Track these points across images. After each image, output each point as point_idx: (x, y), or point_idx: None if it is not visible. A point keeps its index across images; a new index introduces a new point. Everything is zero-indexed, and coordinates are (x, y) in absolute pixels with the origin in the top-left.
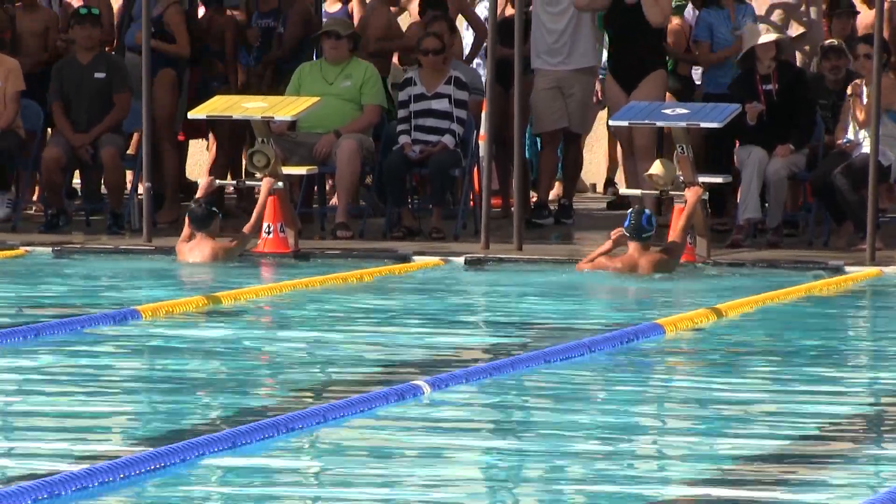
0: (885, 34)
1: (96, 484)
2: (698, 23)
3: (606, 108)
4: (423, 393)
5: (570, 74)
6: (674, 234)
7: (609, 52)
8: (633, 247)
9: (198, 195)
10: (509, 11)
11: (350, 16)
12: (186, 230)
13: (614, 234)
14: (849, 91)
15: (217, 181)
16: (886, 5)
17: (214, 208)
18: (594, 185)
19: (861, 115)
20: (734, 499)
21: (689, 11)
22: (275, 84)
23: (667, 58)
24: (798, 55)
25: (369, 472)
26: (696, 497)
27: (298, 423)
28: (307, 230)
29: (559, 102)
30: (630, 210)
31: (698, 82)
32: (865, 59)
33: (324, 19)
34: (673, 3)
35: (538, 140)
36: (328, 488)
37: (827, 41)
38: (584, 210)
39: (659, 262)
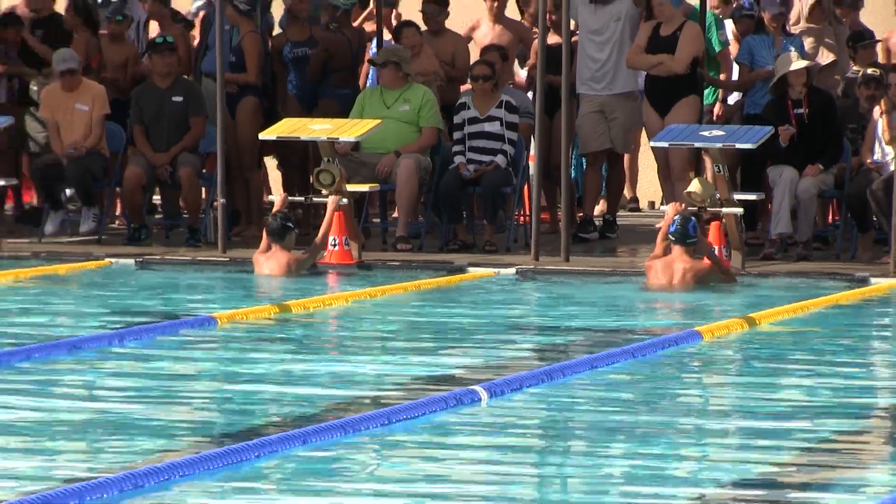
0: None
1: (176, 477)
2: (741, 47)
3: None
4: (481, 398)
5: (612, 99)
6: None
7: (646, 78)
8: (676, 250)
9: (274, 210)
10: (552, 40)
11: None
12: (264, 243)
13: (672, 207)
14: (876, 112)
15: (289, 197)
16: None
17: (290, 223)
18: (635, 200)
19: (888, 134)
20: (772, 500)
21: (730, 36)
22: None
23: (702, 84)
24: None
25: (428, 474)
26: (739, 497)
27: (362, 425)
28: (368, 243)
29: (603, 125)
30: (675, 216)
31: (732, 102)
32: None
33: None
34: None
35: (583, 160)
36: (388, 486)
37: (869, 70)
38: (626, 225)
39: (699, 270)
